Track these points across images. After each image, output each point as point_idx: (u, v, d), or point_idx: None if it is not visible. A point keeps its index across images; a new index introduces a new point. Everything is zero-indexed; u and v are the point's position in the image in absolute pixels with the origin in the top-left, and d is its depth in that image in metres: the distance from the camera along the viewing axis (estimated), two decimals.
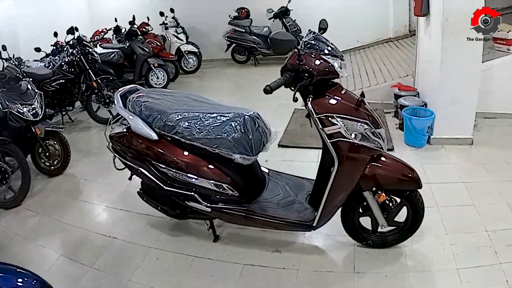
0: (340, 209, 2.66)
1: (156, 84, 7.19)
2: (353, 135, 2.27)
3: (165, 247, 3.02)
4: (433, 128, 4.25)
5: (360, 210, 2.69)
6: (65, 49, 5.50)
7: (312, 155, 3.82)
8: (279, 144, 4.67)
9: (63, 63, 5.34)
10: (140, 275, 2.78)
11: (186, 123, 2.53)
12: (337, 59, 2.37)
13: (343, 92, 2.38)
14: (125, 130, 2.81)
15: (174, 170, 2.60)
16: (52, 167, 4.19)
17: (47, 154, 4.13)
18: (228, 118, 2.52)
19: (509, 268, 2.58)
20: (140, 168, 2.75)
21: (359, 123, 2.29)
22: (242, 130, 2.49)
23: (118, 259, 2.96)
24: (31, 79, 4.99)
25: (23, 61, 5.83)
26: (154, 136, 2.63)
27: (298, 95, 2.28)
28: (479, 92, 4.13)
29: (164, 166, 2.62)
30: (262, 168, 3.05)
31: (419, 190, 2.57)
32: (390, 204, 2.63)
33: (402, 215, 2.72)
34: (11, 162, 3.83)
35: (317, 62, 2.28)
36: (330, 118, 2.25)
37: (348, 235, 2.81)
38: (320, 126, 2.27)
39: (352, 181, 2.41)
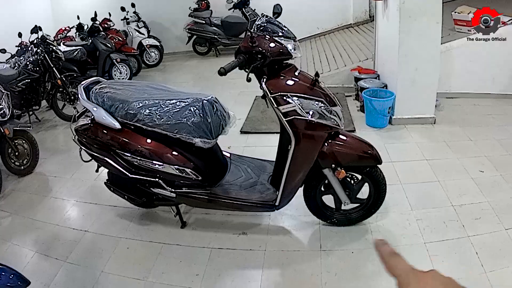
0: (302, 189, 2.67)
1: (119, 78, 7.07)
2: (309, 113, 2.27)
3: (134, 236, 2.99)
4: (394, 109, 4.30)
5: (322, 189, 2.70)
6: (29, 48, 5.36)
7: (273, 140, 3.75)
8: (241, 131, 4.67)
9: (28, 63, 5.20)
10: (112, 265, 2.74)
11: (147, 110, 2.50)
12: (290, 40, 2.38)
13: (297, 72, 2.38)
14: (89, 121, 2.76)
15: (137, 158, 2.57)
16: (22, 167, 4.08)
17: (17, 154, 4.02)
18: (187, 103, 2.50)
19: (478, 240, 2.61)
20: (105, 158, 2.70)
21: (315, 101, 2.29)
22: (201, 114, 2.48)
23: (90, 252, 2.91)
24: None
25: None
26: (117, 125, 2.58)
27: (253, 77, 2.27)
28: (440, 73, 4.20)
29: (128, 154, 2.59)
30: (224, 153, 3.05)
31: (379, 166, 2.59)
32: (352, 182, 2.65)
33: (365, 192, 2.74)
34: None
35: (270, 43, 2.27)
36: (285, 97, 2.25)
37: (312, 215, 2.82)
38: (275, 105, 2.26)
39: (310, 159, 2.42)
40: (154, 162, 2.55)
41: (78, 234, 3.10)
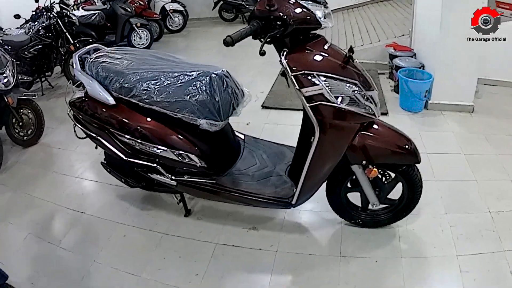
0: (325, 184, 2.18)
1: (139, 44, 6.63)
2: (339, 98, 1.76)
3: (133, 222, 2.59)
4: (431, 92, 3.71)
5: (349, 185, 2.22)
6: (43, 13, 4.94)
7: (297, 117, 3.23)
8: (263, 105, 4.13)
9: (40, 28, 4.80)
10: (106, 255, 2.36)
11: (144, 85, 2.03)
12: (320, 6, 1.84)
13: (326, 46, 1.85)
14: (83, 95, 2.32)
15: (133, 139, 2.12)
16: (26, 137, 3.71)
17: (21, 124, 3.65)
18: (192, 77, 2.01)
19: None
20: (98, 137, 2.28)
21: (347, 84, 1.77)
22: (208, 91, 1.99)
23: (85, 237, 2.56)
24: (9, 46, 4.50)
25: (3, 29, 5.27)
26: (111, 101, 2.13)
27: (268, 48, 1.75)
28: (479, 57, 3.58)
29: (122, 134, 2.14)
30: (237, 134, 2.56)
31: (417, 165, 2.09)
32: (383, 179, 2.16)
33: (396, 192, 2.24)
34: None
35: (292, 8, 1.74)
36: (310, 77, 1.73)
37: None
38: (297, 86, 1.75)
39: (337, 154, 1.93)
40: (151, 145, 2.10)
41: (74, 216, 2.73)
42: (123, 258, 2.33)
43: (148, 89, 2.02)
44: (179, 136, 2.10)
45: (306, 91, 1.74)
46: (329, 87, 1.73)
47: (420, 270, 2.12)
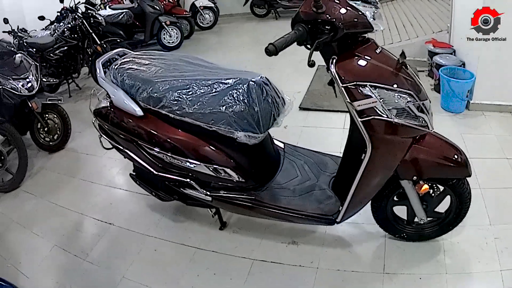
0: None
1: (169, 42, 6.49)
2: (392, 111, 1.57)
3: (164, 235, 2.46)
4: (472, 92, 3.46)
5: (395, 198, 2.03)
6: (68, 14, 4.85)
7: (337, 120, 3.12)
8: (300, 107, 3.88)
9: (65, 29, 4.70)
10: (136, 270, 2.24)
11: (175, 94, 1.87)
12: (370, 6, 1.65)
13: (378, 51, 1.65)
14: (108, 104, 2.18)
15: (163, 153, 1.97)
16: (52, 143, 3.63)
17: (46, 129, 3.56)
18: (227, 85, 1.84)
19: None
20: (126, 150, 2.14)
21: (401, 94, 1.58)
22: (246, 101, 1.82)
23: (113, 251, 2.44)
24: (34, 49, 4.44)
25: (27, 32, 5.19)
26: (138, 112, 1.98)
27: (316, 56, 1.58)
28: None
29: (151, 147, 2.00)
30: (276, 143, 2.37)
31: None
32: (431, 193, 1.95)
33: (444, 204, 2.05)
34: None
35: (343, 10, 1.55)
36: (361, 88, 1.54)
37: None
38: (348, 99, 1.56)
39: (388, 170, 1.75)
40: (183, 159, 1.95)
41: (102, 227, 2.62)
42: (154, 274, 2.21)
43: (180, 99, 1.86)
44: (214, 149, 1.94)
45: (359, 105, 1.55)
46: (382, 99, 1.54)
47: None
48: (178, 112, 1.87)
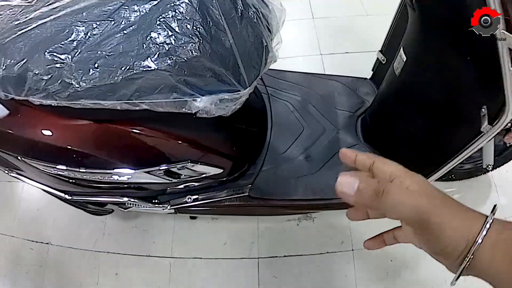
0: None
1: None
2: None
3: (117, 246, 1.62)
4: None
5: None
6: None
7: None
8: None
9: None
10: None
11: (47, 58, 0.76)
12: None
13: None
14: None
15: (66, 169, 0.97)
16: None
17: None
18: (152, 3, 0.78)
19: None
20: (12, 173, 1.15)
21: None
22: (202, 29, 0.76)
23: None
24: None
25: None
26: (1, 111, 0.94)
27: None
28: None
29: (44, 164, 0.99)
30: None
31: None
32: None
33: None
34: None
35: None
36: None
37: None
38: None
39: None
40: (104, 171, 0.97)
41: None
42: None
43: (57, 65, 0.76)
44: (152, 140, 0.95)
45: None
46: None
47: None
48: (62, 94, 0.78)
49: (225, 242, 1.53)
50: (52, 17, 0.81)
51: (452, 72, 0.81)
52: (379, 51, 1.34)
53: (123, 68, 0.75)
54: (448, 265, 0.44)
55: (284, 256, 1.49)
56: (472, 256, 0.40)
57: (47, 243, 1.73)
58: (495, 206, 0.45)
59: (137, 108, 0.81)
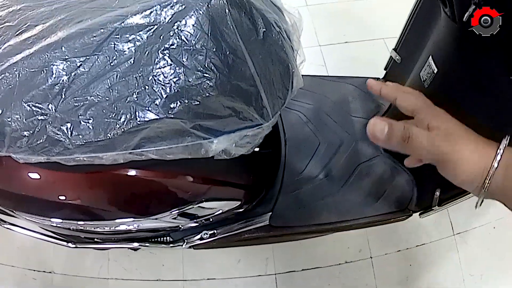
0: None
1: None
2: None
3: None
4: None
5: None
6: None
7: None
8: None
9: None
10: None
11: (26, 109, 0.57)
12: None
13: None
14: None
15: (66, 222, 0.80)
16: None
17: None
18: (150, 28, 0.57)
19: None
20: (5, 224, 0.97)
21: None
22: (217, 61, 0.57)
23: None
24: None
25: None
26: None
27: None
28: None
29: (43, 218, 0.80)
30: None
31: None
32: None
33: None
34: None
35: None
36: None
37: None
38: None
39: None
40: (108, 222, 0.81)
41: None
42: None
43: (38, 118, 0.57)
44: (159, 186, 0.78)
45: None
46: None
47: None
48: (50, 152, 0.59)
49: (238, 260, 1.40)
50: (24, 54, 0.62)
51: (500, 93, 0.67)
52: (393, 49, 1.18)
53: (122, 120, 0.57)
54: (471, 191, 0.46)
55: (302, 270, 1.37)
56: (489, 183, 0.42)
57: (50, 272, 1.57)
58: (509, 135, 0.45)
59: (143, 157, 0.64)
